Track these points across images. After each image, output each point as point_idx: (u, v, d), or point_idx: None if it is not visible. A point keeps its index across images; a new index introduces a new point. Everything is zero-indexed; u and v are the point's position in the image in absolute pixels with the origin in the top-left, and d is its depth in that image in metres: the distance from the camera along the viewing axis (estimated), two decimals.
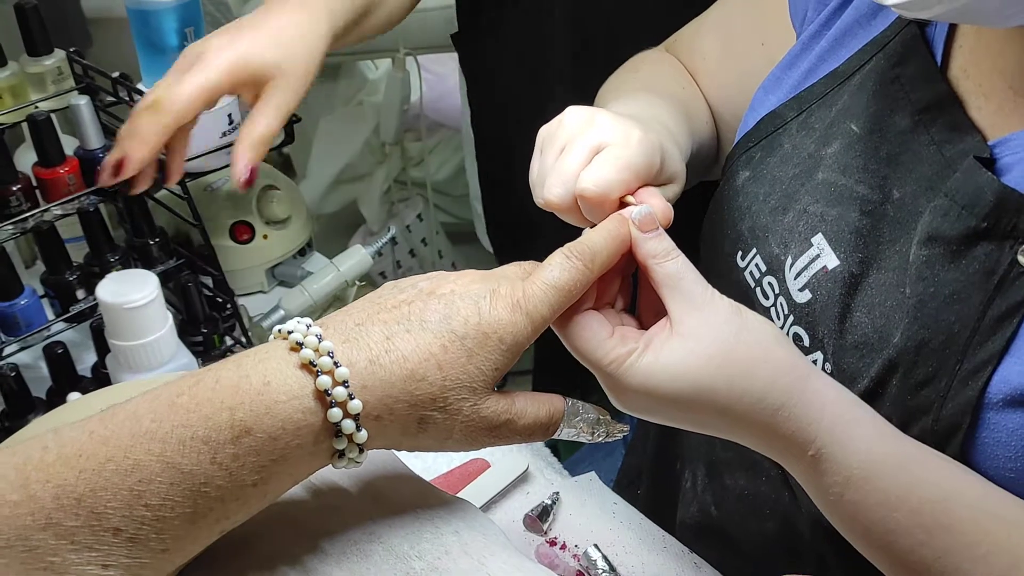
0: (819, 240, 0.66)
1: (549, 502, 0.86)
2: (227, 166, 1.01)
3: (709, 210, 0.80)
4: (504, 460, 0.91)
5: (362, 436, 0.48)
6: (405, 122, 1.81)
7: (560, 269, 0.54)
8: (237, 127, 0.99)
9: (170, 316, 0.83)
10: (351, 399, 0.47)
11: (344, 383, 0.47)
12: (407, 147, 1.87)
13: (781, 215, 0.70)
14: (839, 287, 0.64)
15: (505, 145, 1.22)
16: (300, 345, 0.48)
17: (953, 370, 0.57)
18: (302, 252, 1.19)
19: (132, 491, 0.43)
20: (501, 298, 0.52)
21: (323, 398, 0.47)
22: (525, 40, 1.19)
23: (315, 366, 0.47)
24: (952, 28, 0.65)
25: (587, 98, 1.16)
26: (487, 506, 0.87)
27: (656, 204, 0.58)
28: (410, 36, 1.61)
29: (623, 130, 0.62)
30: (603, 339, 0.54)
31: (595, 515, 0.86)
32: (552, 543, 0.83)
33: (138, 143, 0.77)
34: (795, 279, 0.67)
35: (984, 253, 0.57)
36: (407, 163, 1.89)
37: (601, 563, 0.79)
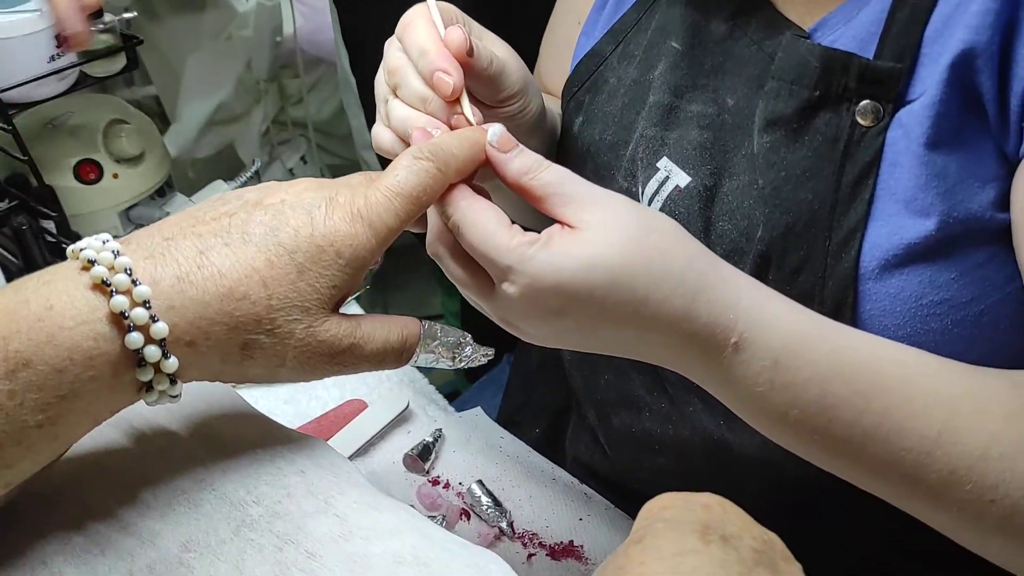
0: (664, 162, 0.63)
1: (430, 440, 0.80)
2: (59, 95, 0.91)
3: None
4: (383, 399, 0.85)
5: (171, 364, 0.41)
6: (280, 57, 1.71)
7: (407, 172, 0.47)
8: (64, 52, 0.89)
9: None
10: (154, 322, 0.40)
11: (145, 303, 0.40)
12: (284, 84, 1.77)
13: (622, 149, 0.67)
14: (696, 202, 0.61)
15: None
16: (92, 263, 0.41)
17: (824, 247, 0.56)
18: (161, 192, 1.09)
19: None
20: (339, 207, 0.46)
21: (119, 322, 0.40)
22: None
23: (109, 285, 0.40)
24: None
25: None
26: (365, 448, 0.81)
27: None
28: None
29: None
30: (504, 226, 0.47)
31: (480, 451, 0.81)
32: (434, 482, 0.78)
33: None
34: (649, 205, 0.64)
35: (824, 123, 0.57)
36: (286, 102, 1.78)
37: (485, 499, 0.74)
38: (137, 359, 0.40)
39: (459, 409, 0.90)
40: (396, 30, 0.57)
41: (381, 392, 0.87)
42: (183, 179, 1.70)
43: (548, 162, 0.49)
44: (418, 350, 0.50)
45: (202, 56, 1.67)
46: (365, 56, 1.23)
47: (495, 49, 0.59)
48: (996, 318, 0.55)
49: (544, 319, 0.48)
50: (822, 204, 0.56)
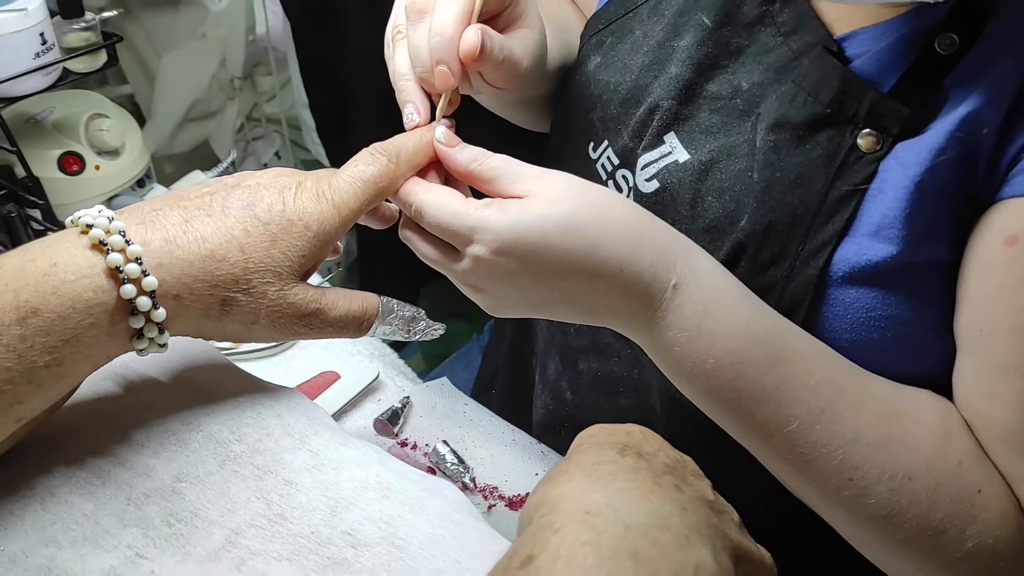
0: (671, 138, 0.67)
1: (399, 405, 0.86)
2: (44, 90, 0.96)
3: (561, 97, 0.80)
4: (354, 370, 0.91)
5: (160, 314, 0.47)
6: (254, 55, 1.76)
7: (365, 164, 0.55)
8: (53, 47, 0.94)
9: None
10: (145, 275, 0.46)
11: (137, 260, 0.46)
12: (258, 82, 1.81)
13: (633, 107, 0.70)
14: (689, 175, 0.65)
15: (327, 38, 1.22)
16: (90, 227, 0.47)
17: (796, 251, 0.60)
18: (140, 183, 1.14)
19: None
20: (307, 189, 0.53)
21: (115, 275, 0.46)
22: None
23: (105, 245, 0.46)
24: None
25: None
26: (338, 416, 0.87)
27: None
28: None
29: None
30: (460, 198, 0.54)
31: (446, 416, 0.87)
32: (403, 444, 0.84)
33: None
34: (643, 169, 0.68)
35: (827, 138, 0.60)
36: (259, 98, 1.83)
37: (450, 457, 0.80)
38: (130, 308, 0.46)
39: (435, 377, 0.97)
40: None
41: (353, 364, 0.93)
42: (161, 173, 1.75)
43: (490, 152, 0.56)
44: (376, 322, 0.57)
45: (177, 55, 1.71)
46: (314, 60, 1.32)
47: (514, 42, 0.62)
48: (928, 339, 0.60)
49: (508, 276, 0.54)
50: (805, 211, 0.60)
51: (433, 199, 0.55)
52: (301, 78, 1.40)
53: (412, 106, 0.59)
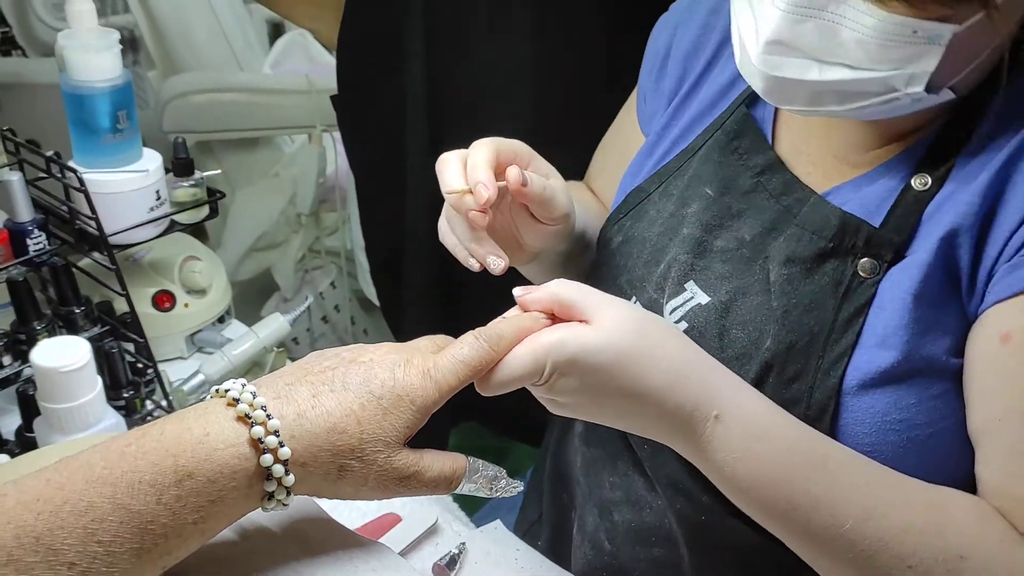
0: (691, 286, 0.79)
1: (456, 551, 0.93)
2: (152, 239, 1.07)
3: (589, 275, 0.92)
4: (414, 513, 0.97)
5: (290, 480, 0.55)
6: (321, 194, 1.89)
7: (469, 348, 0.62)
8: (164, 202, 1.05)
9: (99, 379, 0.88)
10: (281, 447, 0.54)
11: (275, 433, 0.54)
12: (322, 217, 1.94)
13: (654, 267, 0.83)
14: (713, 315, 0.77)
15: (380, 184, 1.36)
16: (236, 401, 0.55)
17: (817, 364, 0.71)
18: (221, 319, 1.24)
19: (86, 529, 0.49)
20: (414, 367, 0.60)
21: (257, 446, 0.53)
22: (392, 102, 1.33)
23: (250, 418, 0.54)
24: (776, 113, 0.83)
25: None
26: None
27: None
28: (326, 113, 1.69)
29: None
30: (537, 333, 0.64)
31: (499, 561, 0.93)
32: None
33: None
34: (670, 314, 0.80)
35: (832, 268, 0.72)
36: (321, 232, 1.95)
37: None
38: (266, 474, 0.54)
39: (479, 519, 1.03)
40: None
41: (412, 507, 1.00)
42: None
43: (566, 280, 0.66)
44: (464, 480, 0.64)
45: (251, 191, 1.85)
46: (373, 210, 1.44)
47: (551, 181, 0.78)
48: (941, 442, 0.69)
49: (568, 392, 0.63)
50: (820, 331, 0.71)
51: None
52: (360, 225, 1.51)
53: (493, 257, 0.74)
